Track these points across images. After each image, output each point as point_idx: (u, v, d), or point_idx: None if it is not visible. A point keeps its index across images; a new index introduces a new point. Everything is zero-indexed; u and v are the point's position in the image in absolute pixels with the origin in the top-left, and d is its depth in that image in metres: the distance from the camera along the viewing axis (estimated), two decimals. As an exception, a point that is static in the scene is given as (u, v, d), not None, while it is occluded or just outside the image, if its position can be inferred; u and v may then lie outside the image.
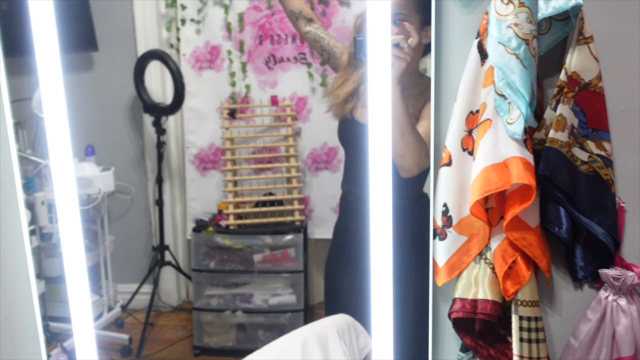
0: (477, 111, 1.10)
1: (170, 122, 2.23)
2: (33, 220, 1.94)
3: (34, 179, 1.96)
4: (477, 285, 1.14)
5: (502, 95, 1.04)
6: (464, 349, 1.22)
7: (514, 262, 1.10)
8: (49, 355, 1.44)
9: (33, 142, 1.94)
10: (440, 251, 1.17)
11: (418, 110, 1.47)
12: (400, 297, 1.21)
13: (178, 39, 2.15)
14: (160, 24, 2.15)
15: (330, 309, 1.90)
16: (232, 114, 2.16)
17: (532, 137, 1.10)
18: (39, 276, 1.96)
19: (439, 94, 1.14)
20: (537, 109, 1.10)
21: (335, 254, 1.86)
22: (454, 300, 1.16)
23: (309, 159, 2.18)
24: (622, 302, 1.12)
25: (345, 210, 1.82)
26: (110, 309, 2.26)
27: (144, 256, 2.32)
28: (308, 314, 2.18)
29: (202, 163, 2.24)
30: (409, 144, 1.39)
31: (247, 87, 2.16)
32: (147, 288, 2.25)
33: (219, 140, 2.20)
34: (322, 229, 2.20)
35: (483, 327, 1.15)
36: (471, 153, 1.12)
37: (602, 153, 1.11)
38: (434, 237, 1.17)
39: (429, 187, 1.53)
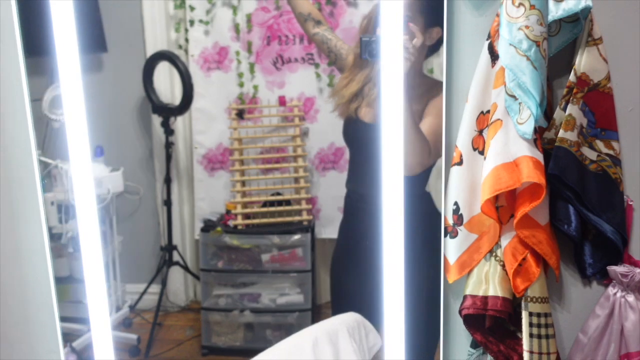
0: (488, 111, 1.12)
1: (179, 123, 2.24)
2: (43, 221, 1.95)
3: (44, 179, 1.97)
4: (487, 282, 1.16)
5: (513, 96, 1.06)
6: (474, 344, 1.23)
7: (524, 259, 1.12)
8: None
9: (42, 143, 1.95)
10: (451, 249, 1.19)
11: (421, 110, 1.49)
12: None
13: (186, 40, 2.16)
14: (169, 25, 2.17)
15: (336, 307, 1.92)
16: (240, 114, 2.18)
17: (542, 137, 1.12)
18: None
19: (450, 94, 1.16)
20: (547, 109, 1.12)
21: (340, 253, 1.87)
22: (465, 297, 1.18)
23: (316, 158, 2.20)
24: (630, 298, 1.14)
25: (349, 210, 1.84)
26: (118, 309, 2.27)
27: (152, 256, 2.33)
28: (315, 313, 2.19)
29: (210, 163, 2.26)
30: (411, 142, 1.41)
31: (255, 87, 2.17)
32: (155, 288, 2.26)
33: (227, 141, 2.21)
34: (330, 229, 2.21)
35: (493, 324, 1.17)
36: (482, 152, 1.14)
37: (611, 152, 1.13)
38: (445, 235, 1.19)
39: (430, 186, 1.56)
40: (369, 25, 1.60)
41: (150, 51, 2.15)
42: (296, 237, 2.13)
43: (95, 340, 1.12)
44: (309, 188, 2.19)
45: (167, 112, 2.14)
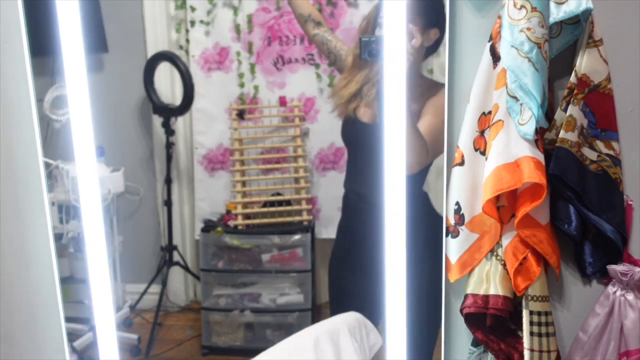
0: (489, 112, 1.13)
1: (179, 123, 2.25)
2: (44, 221, 1.96)
3: (46, 180, 1.98)
4: (488, 281, 1.17)
5: (514, 97, 1.07)
6: (475, 343, 1.24)
7: (524, 258, 1.13)
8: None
9: (43, 144, 1.95)
10: (453, 248, 1.20)
11: (419, 110, 1.50)
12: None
13: (187, 41, 2.17)
14: (170, 26, 2.17)
15: (335, 306, 1.92)
16: (241, 114, 2.18)
17: (542, 138, 1.13)
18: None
19: (452, 95, 1.17)
20: (548, 110, 1.13)
21: (339, 253, 1.88)
22: (466, 296, 1.19)
23: (316, 159, 2.21)
24: (630, 296, 1.15)
25: (347, 209, 1.85)
26: (119, 309, 2.27)
27: (152, 256, 2.34)
28: (315, 313, 2.20)
29: (210, 163, 2.27)
30: (409, 141, 1.43)
31: (256, 88, 2.18)
32: (155, 288, 2.26)
33: (228, 141, 2.22)
34: (330, 229, 2.22)
35: (494, 322, 1.18)
36: (483, 153, 1.15)
37: (611, 152, 1.14)
38: (447, 235, 1.20)
39: (429, 186, 1.57)
40: (368, 26, 1.62)
41: (151, 52, 2.16)
42: (296, 237, 2.14)
43: (100, 340, 1.12)
44: (309, 188, 2.20)
45: (168, 113, 2.15)
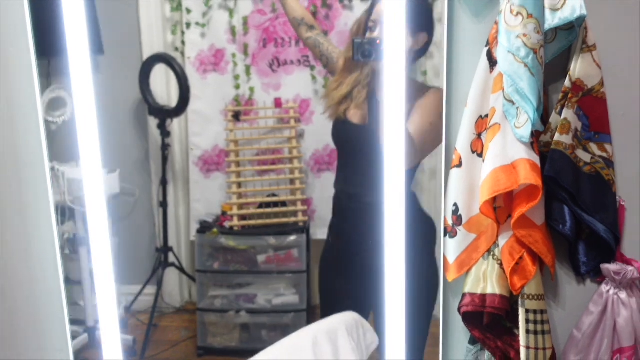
0: (486, 116, 1.15)
1: (175, 125, 2.24)
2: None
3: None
4: (485, 280, 1.19)
5: (511, 101, 1.09)
6: (472, 341, 1.27)
7: (520, 258, 1.15)
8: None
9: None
10: (451, 248, 1.22)
11: (407, 111, 1.53)
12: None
13: (183, 43, 2.17)
14: (166, 28, 2.17)
15: (325, 307, 1.94)
16: (236, 116, 2.19)
17: (538, 140, 1.16)
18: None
19: (450, 99, 1.19)
20: (543, 113, 1.15)
21: (329, 253, 1.90)
22: (464, 295, 1.21)
23: (311, 160, 2.22)
24: (623, 295, 1.18)
25: (338, 210, 1.87)
26: (114, 310, 2.27)
27: (147, 258, 2.33)
28: (310, 313, 2.21)
29: (206, 165, 2.27)
30: None
31: (251, 89, 2.19)
32: (150, 289, 2.26)
33: (223, 142, 2.22)
34: (324, 230, 2.21)
35: (491, 321, 1.20)
36: (480, 155, 1.17)
37: (604, 155, 1.17)
38: (445, 235, 1.22)
39: (423, 187, 1.59)
40: (359, 29, 1.64)
41: (146, 53, 2.16)
42: (292, 238, 2.15)
43: (104, 341, 1.13)
44: (305, 189, 2.21)
45: (164, 114, 2.15)
